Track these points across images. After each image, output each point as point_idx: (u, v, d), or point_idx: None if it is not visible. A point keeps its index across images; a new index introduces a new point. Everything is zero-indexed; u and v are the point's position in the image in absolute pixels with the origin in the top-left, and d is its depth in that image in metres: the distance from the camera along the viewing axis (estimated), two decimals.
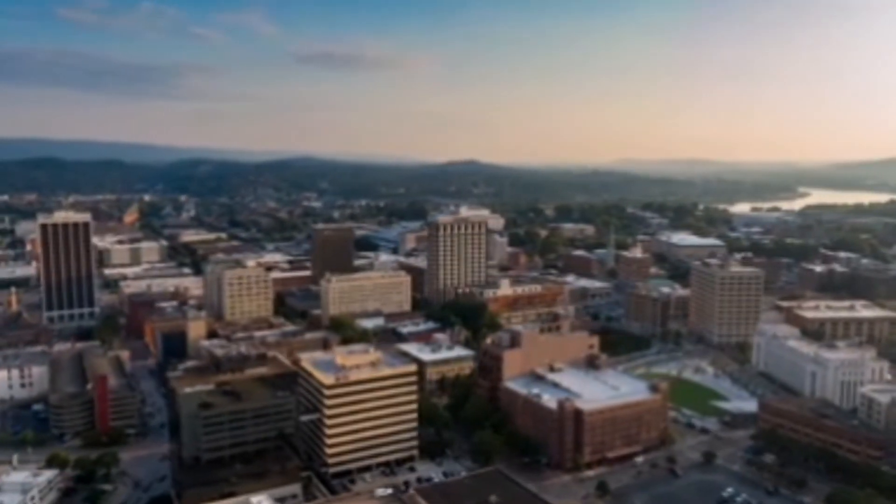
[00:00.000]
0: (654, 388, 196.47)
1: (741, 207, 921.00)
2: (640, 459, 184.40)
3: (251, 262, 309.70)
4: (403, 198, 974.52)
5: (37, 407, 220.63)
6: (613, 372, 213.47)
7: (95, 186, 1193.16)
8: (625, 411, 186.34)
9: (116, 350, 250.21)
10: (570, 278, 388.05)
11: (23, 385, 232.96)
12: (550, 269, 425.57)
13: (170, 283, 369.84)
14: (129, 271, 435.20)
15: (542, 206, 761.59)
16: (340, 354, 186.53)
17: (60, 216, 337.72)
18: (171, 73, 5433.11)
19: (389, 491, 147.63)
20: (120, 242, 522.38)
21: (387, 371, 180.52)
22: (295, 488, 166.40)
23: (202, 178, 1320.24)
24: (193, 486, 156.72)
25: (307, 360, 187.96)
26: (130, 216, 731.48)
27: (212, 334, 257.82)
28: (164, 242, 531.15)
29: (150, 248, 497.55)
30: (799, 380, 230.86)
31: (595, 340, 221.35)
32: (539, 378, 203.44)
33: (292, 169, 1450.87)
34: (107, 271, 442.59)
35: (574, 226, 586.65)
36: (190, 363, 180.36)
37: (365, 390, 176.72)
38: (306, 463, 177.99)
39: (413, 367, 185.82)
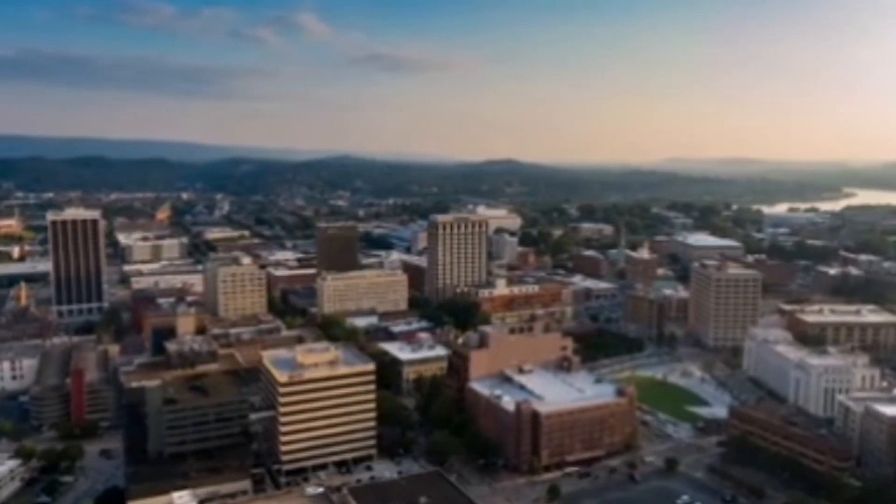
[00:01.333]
0: (620, 392, 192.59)
1: (779, 208, 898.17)
2: (618, 463, 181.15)
3: (247, 260, 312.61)
4: (434, 197, 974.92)
5: (23, 398, 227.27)
6: (585, 374, 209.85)
7: (138, 184, 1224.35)
8: (585, 414, 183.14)
9: (106, 344, 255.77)
10: (576, 279, 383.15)
11: (13, 377, 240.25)
12: (559, 269, 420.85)
13: (179, 280, 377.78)
14: (146, 267, 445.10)
15: (566, 205, 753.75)
16: (301, 352, 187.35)
17: (70, 213, 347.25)
18: (225, 74, 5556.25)
19: (321, 490, 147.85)
20: (144, 239, 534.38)
21: (342, 370, 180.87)
22: (245, 484, 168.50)
23: (241, 176, 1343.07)
24: (142, 480, 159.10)
25: (268, 357, 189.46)
26: (162, 214, 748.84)
27: (202, 330, 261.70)
28: (185, 240, 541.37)
29: (171, 245, 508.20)
30: (785, 386, 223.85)
31: (568, 342, 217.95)
32: (507, 379, 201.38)
33: (330, 168, 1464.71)
34: (126, 267, 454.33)
35: (593, 226, 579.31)
36: (145, 359, 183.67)
37: (320, 388, 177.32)
38: (265, 460, 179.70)
39: (371, 367, 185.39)
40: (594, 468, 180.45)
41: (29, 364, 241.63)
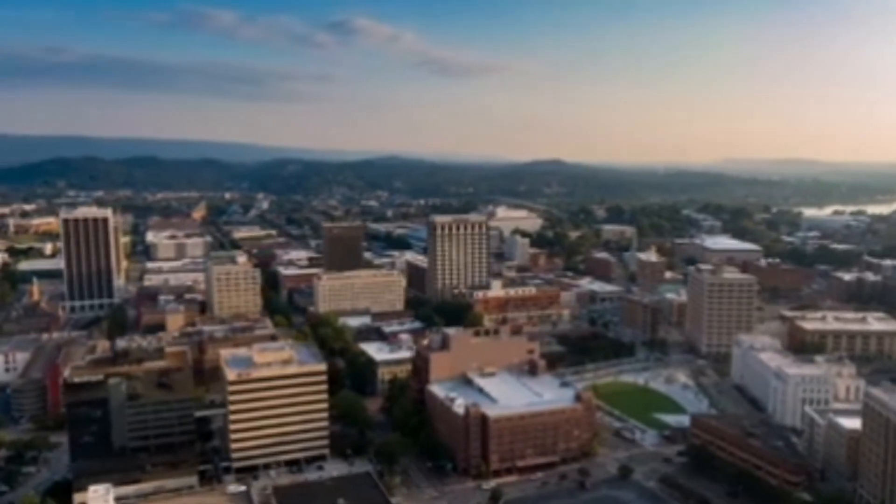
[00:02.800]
0: (578, 397, 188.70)
1: (825, 211, 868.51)
2: (571, 469, 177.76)
3: (242, 259, 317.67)
4: (469, 197, 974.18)
5: (9, 391, 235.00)
6: (550, 378, 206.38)
7: (187, 184, 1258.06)
8: (537, 419, 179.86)
9: (97, 340, 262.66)
10: (584, 281, 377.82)
11: (7, 369, 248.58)
12: (570, 271, 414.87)
13: (192, 277, 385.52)
14: (167, 265, 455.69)
15: (595, 206, 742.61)
16: (257, 351, 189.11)
17: (82, 211, 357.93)
18: (282, 78, 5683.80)
19: (242, 488, 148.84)
20: (171, 237, 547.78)
21: (292, 369, 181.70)
22: (192, 480, 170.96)
23: (286, 177, 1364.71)
24: (90, 474, 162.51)
25: (226, 355, 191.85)
26: (198, 213, 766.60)
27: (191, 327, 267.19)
28: (209, 238, 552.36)
29: (195, 244, 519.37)
30: (767, 395, 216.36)
31: (535, 346, 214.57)
32: (467, 382, 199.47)
33: (374, 168, 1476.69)
34: (149, 264, 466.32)
35: (615, 227, 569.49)
36: (94, 356, 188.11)
37: (269, 387, 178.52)
38: (215, 456, 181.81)
39: (322, 367, 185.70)
40: (548, 474, 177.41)
41: (23, 357, 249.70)
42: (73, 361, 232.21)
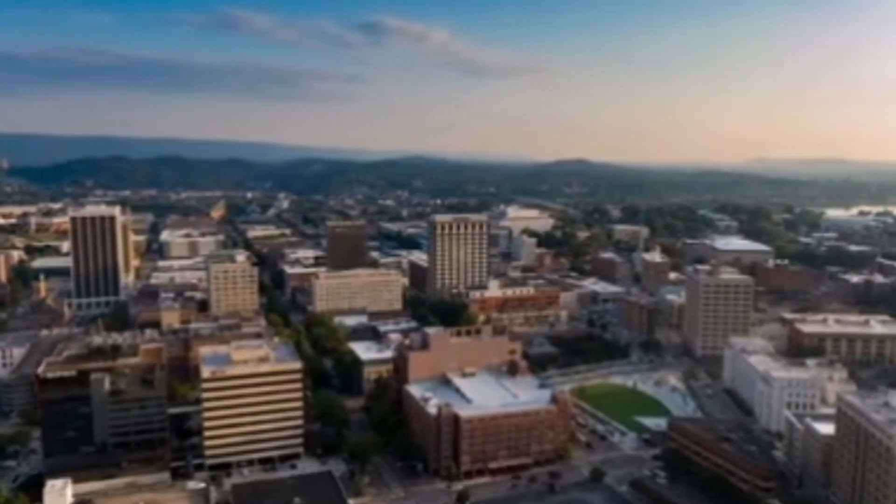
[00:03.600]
0: (553, 399, 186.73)
1: (851, 211, 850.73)
2: (544, 471, 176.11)
3: (241, 257, 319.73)
4: (488, 196, 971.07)
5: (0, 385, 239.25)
6: (529, 380, 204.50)
7: (211, 183, 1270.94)
8: (510, 421, 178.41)
9: (93, 336, 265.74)
10: (588, 281, 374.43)
11: (3, 364, 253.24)
12: (575, 271, 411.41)
13: (197, 276, 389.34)
14: (177, 263, 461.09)
15: (611, 206, 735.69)
16: (234, 349, 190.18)
17: (90, 210, 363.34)
18: (316, 77, 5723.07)
19: (202, 485, 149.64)
20: (187, 236, 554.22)
21: (266, 367, 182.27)
22: (164, 476, 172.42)
23: (309, 176, 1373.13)
24: (60, 468, 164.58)
25: (204, 353, 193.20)
26: (217, 212, 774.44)
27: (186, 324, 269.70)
28: (221, 237, 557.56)
29: (207, 242, 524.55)
30: (755, 399, 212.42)
31: (516, 346, 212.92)
32: (446, 382, 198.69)
33: (397, 168, 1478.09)
34: (160, 262, 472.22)
35: (627, 227, 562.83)
36: (70, 352, 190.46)
37: (243, 385, 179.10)
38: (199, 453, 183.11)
39: (297, 366, 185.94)
40: (518, 476, 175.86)
41: (19, 352, 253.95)
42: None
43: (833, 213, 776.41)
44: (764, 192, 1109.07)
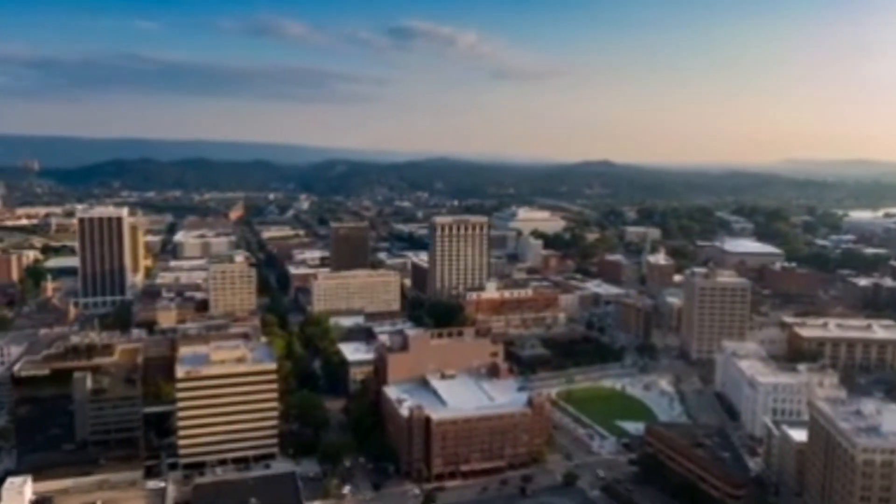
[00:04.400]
0: (530, 402, 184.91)
1: (878, 213, 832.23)
2: (518, 475, 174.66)
3: (240, 258, 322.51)
4: (510, 197, 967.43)
5: None
6: (510, 382, 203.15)
7: (235, 185, 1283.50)
8: (483, 423, 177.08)
9: (89, 334, 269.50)
10: (593, 283, 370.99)
11: (1, 362, 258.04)
12: (581, 273, 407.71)
13: (202, 276, 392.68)
14: (187, 263, 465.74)
15: (626, 207, 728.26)
16: (213, 349, 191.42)
17: (97, 210, 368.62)
18: (345, 79, 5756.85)
19: (161, 484, 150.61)
20: (201, 237, 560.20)
21: (241, 368, 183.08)
22: (138, 474, 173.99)
23: (331, 177, 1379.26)
24: (34, 466, 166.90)
25: (183, 353, 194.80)
26: (235, 213, 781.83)
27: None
28: (234, 237, 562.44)
29: (219, 243, 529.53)
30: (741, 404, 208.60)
31: (498, 348, 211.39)
32: (424, 384, 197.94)
33: (420, 169, 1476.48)
34: (172, 262, 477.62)
35: (638, 229, 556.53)
36: (49, 351, 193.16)
37: (218, 385, 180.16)
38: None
39: (272, 366, 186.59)
40: (491, 480, 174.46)
41: (17, 351, 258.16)
42: None
43: (858, 214, 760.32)
44: (788, 194, 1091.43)
